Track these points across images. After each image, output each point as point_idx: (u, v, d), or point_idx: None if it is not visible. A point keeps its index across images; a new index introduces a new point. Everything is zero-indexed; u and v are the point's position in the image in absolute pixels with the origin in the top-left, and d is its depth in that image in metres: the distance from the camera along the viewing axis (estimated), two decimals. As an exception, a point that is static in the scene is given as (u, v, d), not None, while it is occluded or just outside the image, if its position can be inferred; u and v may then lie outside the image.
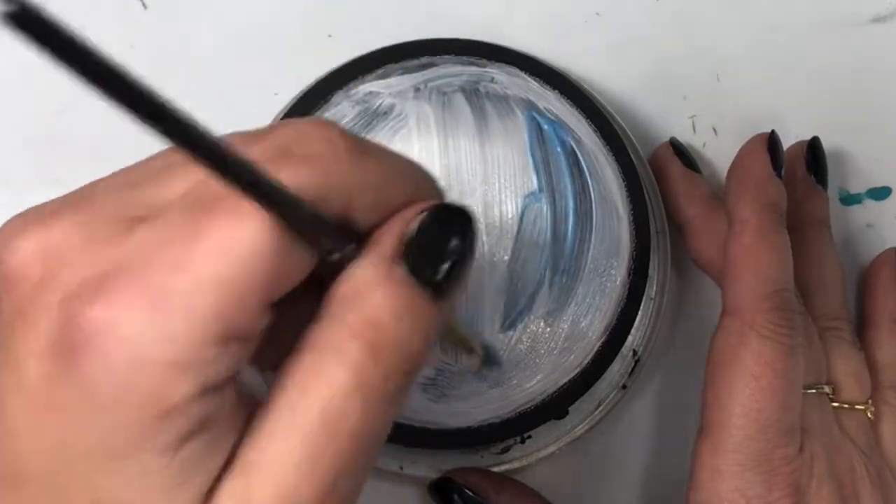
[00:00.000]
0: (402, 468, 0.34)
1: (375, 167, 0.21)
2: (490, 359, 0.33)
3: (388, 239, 0.20)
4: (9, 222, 0.20)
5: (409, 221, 0.20)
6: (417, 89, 0.35)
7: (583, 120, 0.35)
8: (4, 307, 0.19)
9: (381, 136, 0.34)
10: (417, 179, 0.22)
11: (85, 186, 0.21)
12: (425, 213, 0.20)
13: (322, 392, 0.19)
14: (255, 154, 0.18)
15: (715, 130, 0.39)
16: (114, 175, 0.21)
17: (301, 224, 0.19)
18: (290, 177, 0.18)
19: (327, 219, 0.20)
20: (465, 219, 0.21)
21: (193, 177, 0.19)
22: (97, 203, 0.19)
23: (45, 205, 0.20)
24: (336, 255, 0.20)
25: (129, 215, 0.19)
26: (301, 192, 0.18)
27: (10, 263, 0.19)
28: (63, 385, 0.18)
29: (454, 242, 0.20)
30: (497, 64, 0.36)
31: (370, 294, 0.20)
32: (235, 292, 0.18)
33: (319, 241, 0.20)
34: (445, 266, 0.20)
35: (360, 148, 0.21)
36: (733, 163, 0.34)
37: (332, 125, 0.21)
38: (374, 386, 0.19)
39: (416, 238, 0.20)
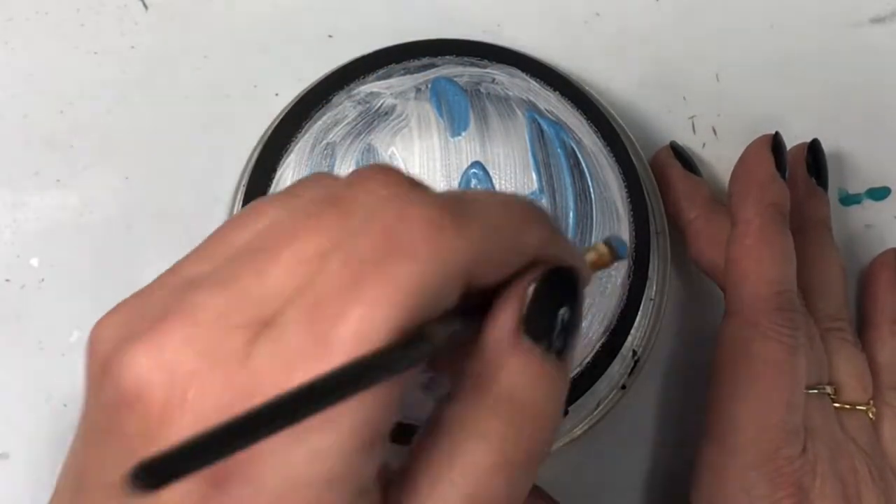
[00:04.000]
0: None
1: (483, 236, 0.19)
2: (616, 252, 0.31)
3: (510, 311, 0.20)
4: (106, 327, 0.19)
5: (525, 292, 0.20)
6: (419, 90, 0.35)
7: (583, 121, 0.35)
8: (127, 427, 0.18)
9: (382, 137, 0.34)
10: (526, 224, 0.21)
11: (170, 278, 0.20)
12: (538, 281, 0.20)
13: (466, 474, 0.19)
14: (363, 248, 0.18)
15: (715, 131, 0.39)
16: (196, 259, 0.20)
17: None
18: (401, 282, 0.18)
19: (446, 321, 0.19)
20: (573, 281, 0.21)
21: (293, 259, 0.19)
22: (199, 309, 0.19)
23: (139, 304, 0.19)
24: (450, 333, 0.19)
25: (239, 323, 0.18)
26: (417, 293, 0.18)
27: (127, 381, 0.18)
28: None
29: (566, 307, 0.20)
30: (498, 65, 0.36)
31: (502, 369, 0.19)
32: (380, 395, 0.18)
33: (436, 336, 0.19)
34: (561, 330, 0.20)
35: (460, 220, 0.19)
36: (737, 164, 0.34)
37: (423, 199, 0.19)
38: (518, 462, 0.19)
39: (533, 306, 0.20)
